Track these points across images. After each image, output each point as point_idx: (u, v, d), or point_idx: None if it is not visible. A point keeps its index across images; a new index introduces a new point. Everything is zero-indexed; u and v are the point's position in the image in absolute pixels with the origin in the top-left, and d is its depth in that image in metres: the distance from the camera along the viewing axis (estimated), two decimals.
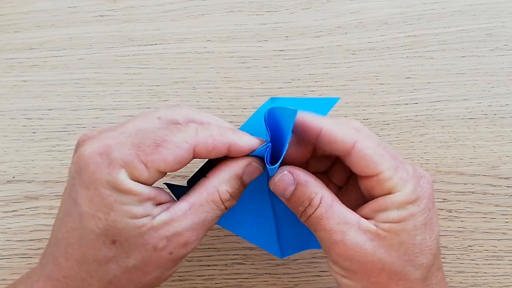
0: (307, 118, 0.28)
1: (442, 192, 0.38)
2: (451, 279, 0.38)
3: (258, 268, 0.38)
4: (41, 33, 0.40)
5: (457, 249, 0.38)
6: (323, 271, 0.38)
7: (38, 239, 0.38)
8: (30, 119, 0.39)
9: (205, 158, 0.29)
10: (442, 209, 0.38)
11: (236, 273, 0.38)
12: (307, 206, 0.28)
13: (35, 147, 0.39)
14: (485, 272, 0.38)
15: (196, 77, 0.40)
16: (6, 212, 0.39)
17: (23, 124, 0.39)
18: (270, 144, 0.29)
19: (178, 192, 0.30)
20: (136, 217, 0.26)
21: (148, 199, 0.26)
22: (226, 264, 0.38)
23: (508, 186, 0.38)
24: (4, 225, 0.38)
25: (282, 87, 0.39)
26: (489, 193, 0.38)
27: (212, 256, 0.38)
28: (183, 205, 0.27)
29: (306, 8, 0.40)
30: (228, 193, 0.28)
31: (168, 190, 0.30)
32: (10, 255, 0.38)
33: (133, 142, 0.26)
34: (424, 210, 0.28)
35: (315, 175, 0.29)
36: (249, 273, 0.38)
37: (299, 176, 0.28)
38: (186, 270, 0.38)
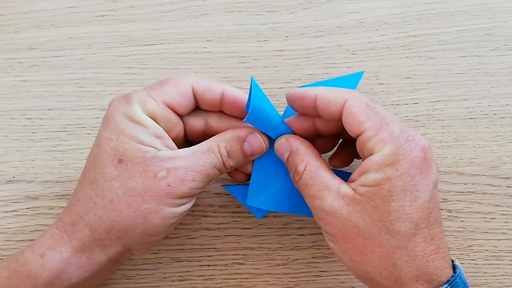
0: (303, 90, 0.31)
1: (442, 192, 0.38)
2: None
3: (258, 268, 0.38)
4: (41, 33, 0.40)
5: (457, 249, 0.38)
6: (323, 271, 0.38)
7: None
8: (30, 119, 0.39)
9: (205, 103, 0.32)
10: (442, 209, 0.38)
11: (236, 273, 0.38)
12: (294, 172, 0.31)
13: (35, 147, 0.39)
14: (485, 272, 0.38)
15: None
16: (6, 212, 0.39)
17: (23, 124, 0.39)
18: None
19: (238, 191, 0.35)
20: (143, 143, 0.29)
21: (156, 135, 0.30)
22: (226, 264, 0.38)
23: (508, 186, 0.38)
24: (4, 225, 0.38)
25: (282, 87, 0.39)
26: (489, 193, 0.38)
27: (212, 256, 0.38)
28: (187, 150, 0.31)
29: (306, 8, 0.40)
30: (226, 150, 0.31)
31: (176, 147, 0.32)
32: (10, 255, 0.38)
33: (147, 86, 0.32)
34: (404, 175, 0.27)
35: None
36: (249, 273, 0.38)
37: (292, 144, 0.31)
38: (186, 270, 0.38)
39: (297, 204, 0.34)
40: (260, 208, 0.34)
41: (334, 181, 0.29)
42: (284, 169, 0.33)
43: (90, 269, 0.30)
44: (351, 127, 0.29)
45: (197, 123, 0.33)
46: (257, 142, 0.32)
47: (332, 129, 0.33)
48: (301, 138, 0.32)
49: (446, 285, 0.28)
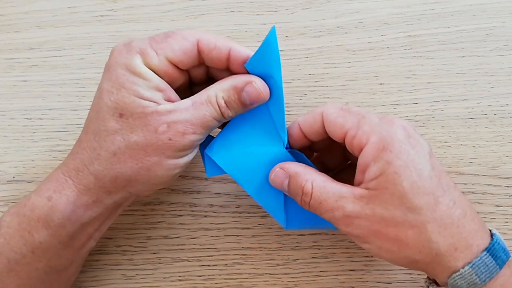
0: (288, 130, 0.32)
1: None
2: None
3: (258, 268, 0.38)
4: (41, 33, 0.40)
5: None
6: (323, 271, 0.38)
7: None
8: (30, 119, 0.39)
9: (210, 61, 0.31)
10: None
11: (236, 273, 0.38)
12: (302, 195, 0.30)
13: (35, 147, 0.39)
14: None
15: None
16: None
17: (23, 124, 0.39)
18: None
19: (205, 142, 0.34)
20: (143, 97, 0.29)
21: (157, 88, 0.30)
22: (226, 264, 0.38)
23: (508, 186, 0.38)
24: None
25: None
26: (489, 193, 0.38)
27: (212, 256, 0.38)
28: (187, 101, 0.30)
29: (306, 8, 0.40)
30: (223, 99, 0.31)
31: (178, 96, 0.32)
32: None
33: (150, 37, 0.31)
34: (399, 153, 0.28)
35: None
36: (249, 273, 0.38)
37: (289, 170, 0.31)
38: (186, 270, 0.38)
39: (255, 185, 0.33)
40: (215, 165, 0.33)
41: (345, 188, 0.30)
42: (258, 136, 0.33)
43: (97, 211, 0.31)
44: (334, 133, 0.31)
45: (200, 71, 0.33)
46: (255, 92, 0.31)
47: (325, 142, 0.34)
48: (295, 162, 0.32)
49: (485, 252, 0.28)
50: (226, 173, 0.33)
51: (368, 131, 0.29)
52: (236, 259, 0.38)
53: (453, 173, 0.38)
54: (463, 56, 0.39)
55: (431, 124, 0.39)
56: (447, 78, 0.39)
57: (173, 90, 0.31)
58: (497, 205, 0.38)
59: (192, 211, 0.39)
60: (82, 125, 0.39)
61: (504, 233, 0.38)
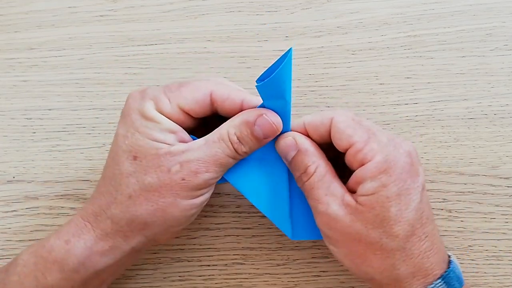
0: (292, 125, 0.32)
1: (442, 192, 0.38)
2: None
3: (258, 268, 0.38)
4: (41, 33, 0.40)
5: (457, 249, 0.38)
6: (323, 271, 0.38)
7: (38, 239, 0.38)
8: (30, 119, 0.39)
9: (223, 110, 0.31)
10: (442, 209, 0.38)
11: (236, 273, 0.38)
12: (303, 173, 0.31)
13: (35, 147, 0.39)
14: (485, 272, 0.38)
15: (196, 77, 0.40)
16: (6, 212, 0.39)
17: (23, 124, 0.39)
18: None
19: None
20: (156, 139, 0.30)
21: (170, 130, 0.30)
22: (226, 264, 0.38)
23: (508, 186, 0.38)
24: (4, 225, 0.38)
25: None
26: (489, 193, 0.38)
27: (212, 256, 0.38)
28: (200, 141, 0.31)
29: (306, 8, 0.40)
30: (236, 136, 0.31)
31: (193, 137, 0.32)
32: (10, 255, 0.38)
33: (165, 85, 0.32)
34: (397, 180, 0.29)
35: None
36: (249, 273, 0.38)
37: (301, 144, 0.31)
38: (186, 270, 0.38)
39: (260, 195, 0.33)
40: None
41: (339, 189, 0.30)
42: (277, 170, 0.33)
43: (113, 258, 0.31)
44: (339, 142, 0.31)
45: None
46: (267, 124, 0.31)
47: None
48: (309, 138, 0.32)
49: (439, 280, 0.30)
50: (227, 181, 0.33)
51: (376, 149, 0.29)
52: (236, 259, 0.38)
53: (453, 173, 0.38)
54: (463, 56, 0.39)
55: (431, 124, 0.39)
56: (447, 78, 0.39)
57: (186, 132, 0.31)
58: (497, 205, 0.38)
59: None
60: (82, 125, 0.39)
61: (504, 233, 0.38)
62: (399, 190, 0.29)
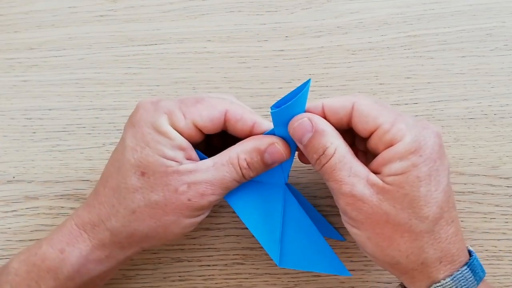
0: (309, 109, 0.31)
1: None
2: None
3: (258, 268, 0.38)
4: (41, 33, 0.40)
5: None
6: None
7: (38, 239, 0.38)
8: (30, 119, 0.39)
9: (234, 130, 0.31)
10: None
11: (236, 273, 0.38)
12: (321, 155, 0.29)
13: (35, 147, 0.39)
14: None
15: (196, 77, 0.40)
16: (6, 212, 0.39)
17: (23, 124, 0.39)
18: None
19: None
20: (166, 157, 0.30)
21: (180, 147, 0.30)
22: (226, 264, 0.38)
23: (508, 186, 0.38)
24: (4, 225, 0.38)
25: (282, 87, 0.39)
26: (489, 193, 0.38)
27: (212, 256, 0.38)
28: (208, 161, 0.31)
29: (306, 8, 0.40)
30: (246, 161, 0.31)
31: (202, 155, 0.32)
32: (10, 255, 0.38)
33: (180, 99, 0.31)
34: (427, 160, 0.28)
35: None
36: (249, 273, 0.38)
37: (317, 124, 0.30)
38: (186, 270, 0.38)
39: (253, 216, 0.32)
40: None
41: (363, 169, 0.29)
42: (274, 197, 0.32)
43: (108, 266, 0.32)
44: (365, 125, 0.30)
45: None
46: (278, 153, 0.31)
47: None
48: (323, 119, 0.31)
49: (466, 267, 0.29)
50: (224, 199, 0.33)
51: (404, 130, 0.29)
52: (236, 259, 0.38)
53: (453, 173, 0.38)
54: (463, 56, 0.39)
55: None
56: (447, 78, 0.39)
57: (194, 149, 0.31)
58: (497, 205, 0.38)
59: None
60: (82, 125, 0.39)
61: (504, 233, 0.38)
62: (429, 171, 0.28)
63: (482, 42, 0.39)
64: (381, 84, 0.39)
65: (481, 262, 0.38)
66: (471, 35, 0.39)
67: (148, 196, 0.30)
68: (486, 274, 0.30)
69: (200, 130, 0.31)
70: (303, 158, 0.33)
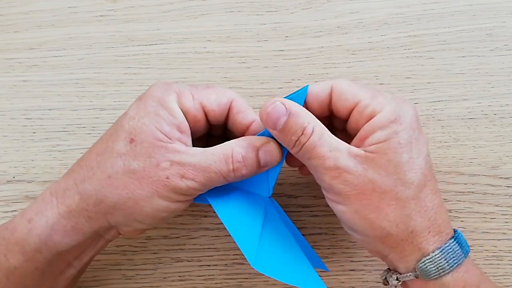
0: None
1: (442, 192, 0.38)
2: None
3: None
4: (41, 33, 0.40)
5: None
6: (323, 271, 0.38)
7: None
8: (30, 119, 0.39)
9: (233, 122, 0.32)
10: None
11: (236, 273, 0.38)
12: (301, 135, 0.29)
13: (35, 147, 0.39)
14: (485, 272, 0.38)
15: (196, 77, 0.40)
16: (6, 212, 0.39)
17: (23, 124, 0.39)
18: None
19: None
20: (161, 130, 0.29)
21: (179, 128, 0.30)
22: (226, 264, 0.38)
23: (508, 186, 0.38)
24: None
25: (282, 87, 0.39)
26: (489, 193, 0.38)
27: (212, 256, 0.38)
28: (198, 149, 0.30)
29: (306, 8, 0.40)
30: (241, 155, 0.30)
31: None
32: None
33: (191, 84, 0.32)
34: (407, 128, 0.29)
35: None
36: (249, 273, 0.38)
37: (291, 107, 0.30)
38: (186, 270, 0.38)
39: (234, 220, 0.32)
40: (202, 194, 0.32)
41: (342, 144, 0.30)
42: (257, 203, 0.32)
43: (75, 239, 0.30)
44: (345, 103, 0.30)
45: (219, 130, 0.34)
46: (273, 152, 0.31)
47: None
48: (295, 103, 0.31)
49: (453, 240, 0.30)
50: (209, 203, 0.32)
51: (383, 102, 0.30)
52: (236, 259, 0.38)
53: (453, 173, 0.38)
54: (463, 56, 0.39)
55: (431, 124, 0.39)
56: (447, 78, 0.39)
57: (190, 138, 0.31)
58: (497, 205, 0.38)
59: (192, 211, 0.39)
60: (82, 125, 0.39)
61: (504, 233, 0.38)
62: (410, 138, 0.29)
63: (482, 42, 0.39)
64: (381, 84, 0.39)
65: (481, 262, 0.38)
66: (471, 35, 0.39)
67: (128, 163, 0.29)
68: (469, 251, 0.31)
69: (205, 116, 0.31)
70: (291, 160, 0.33)
